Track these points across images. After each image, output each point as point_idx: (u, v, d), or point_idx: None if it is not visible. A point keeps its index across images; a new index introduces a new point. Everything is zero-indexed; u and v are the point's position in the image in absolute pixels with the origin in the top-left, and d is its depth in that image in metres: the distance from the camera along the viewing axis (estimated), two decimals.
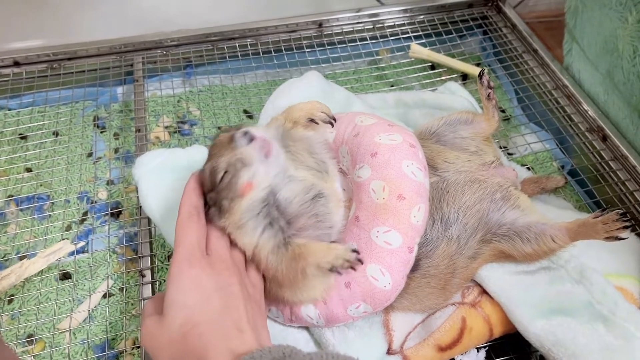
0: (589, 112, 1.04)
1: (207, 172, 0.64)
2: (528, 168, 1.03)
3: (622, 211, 0.69)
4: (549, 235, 0.73)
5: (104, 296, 0.89)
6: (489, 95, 0.85)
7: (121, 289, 0.90)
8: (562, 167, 1.06)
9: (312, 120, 0.74)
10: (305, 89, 0.98)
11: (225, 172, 0.63)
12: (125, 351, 0.83)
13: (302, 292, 0.67)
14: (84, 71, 1.19)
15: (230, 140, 0.64)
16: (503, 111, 1.19)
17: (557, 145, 1.09)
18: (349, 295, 0.67)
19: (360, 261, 0.63)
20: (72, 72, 1.18)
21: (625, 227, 0.68)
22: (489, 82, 0.87)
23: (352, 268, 0.63)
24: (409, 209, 0.66)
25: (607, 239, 0.70)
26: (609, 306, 0.71)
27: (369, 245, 0.66)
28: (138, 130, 1.06)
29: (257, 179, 0.64)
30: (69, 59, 1.19)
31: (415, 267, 0.69)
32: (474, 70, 1.18)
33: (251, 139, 0.64)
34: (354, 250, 0.63)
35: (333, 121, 0.76)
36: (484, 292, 0.76)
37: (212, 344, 0.53)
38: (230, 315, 0.56)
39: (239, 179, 0.63)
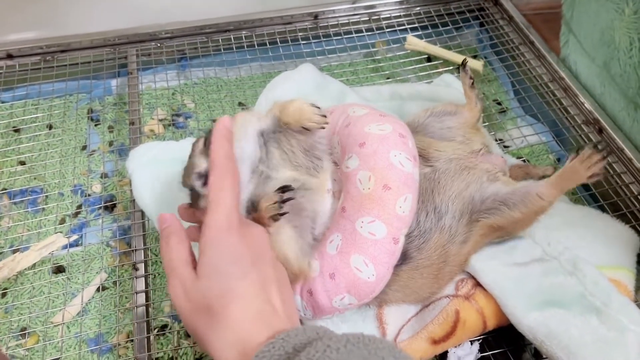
0: (585, 105, 1.03)
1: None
2: (524, 160, 1.03)
3: (593, 144, 0.70)
4: (534, 193, 0.72)
5: (98, 289, 0.89)
6: (472, 84, 0.86)
7: (115, 283, 0.89)
8: (558, 159, 1.06)
9: (304, 128, 0.72)
10: (299, 82, 0.98)
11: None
12: (119, 344, 0.82)
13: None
14: (77, 64, 1.18)
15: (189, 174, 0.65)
16: (499, 103, 1.18)
17: (553, 137, 1.08)
18: (334, 287, 0.67)
19: (288, 199, 0.64)
20: (66, 65, 1.17)
21: (603, 158, 0.69)
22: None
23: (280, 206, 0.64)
24: (394, 199, 0.66)
25: (590, 177, 0.71)
26: (602, 298, 0.70)
27: (353, 236, 0.66)
28: (132, 123, 1.05)
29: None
30: (63, 51, 1.19)
31: (407, 259, 0.69)
32: (471, 63, 1.17)
33: (205, 183, 0.63)
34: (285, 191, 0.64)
35: (325, 124, 0.72)
36: (477, 284, 0.76)
37: (248, 320, 0.51)
38: (265, 292, 0.54)
39: (198, 205, 0.65)
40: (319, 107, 0.71)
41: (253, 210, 0.65)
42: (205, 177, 0.62)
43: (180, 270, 0.55)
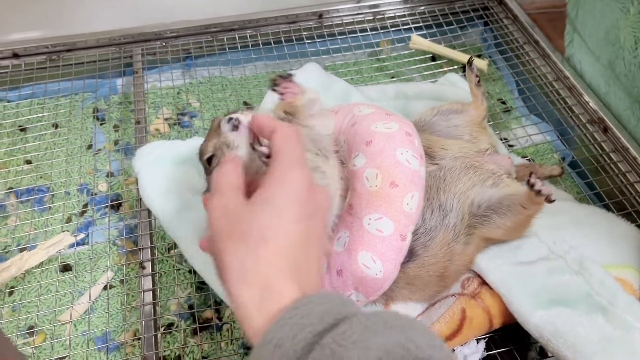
0: (590, 104, 1.03)
1: (198, 154, 0.66)
2: (529, 160, 1.03)
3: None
4: (518, 204, 0.73)
5: (105, 288, 0.90)
6: (478, 82, 0.86)
7: (122, 281, 0.90)
8: (563, 158, 1.06)
9: (274, 89, 0.75)
10: (303, 81, 0.96)
11: (213, 156, 0.64)
12: (126, 343, 0.83)
13: None
14: (83, 63, 1.18)
15: (217, 125, 0.66)
16: (504, 103, 1.18)
17: (557, 137, 1.08)
18: (341, 283, 0.67)
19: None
20: (71, 64, 1.18)
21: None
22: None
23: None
24: (401, 197, 0.67)
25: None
26: (608, 297, 0.71)
27: (360, 232, 0.67)
28: (138, 122, 1.06)
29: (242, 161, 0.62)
30: (68, 50, 1.19)
31: (413, 257, 0.69)
32: (476, 62, 1.17)
33: (235, 126, 0.64)
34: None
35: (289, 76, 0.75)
36: (483, 283, 0.76)
37: (280, 263, 0.46)
38: (308, 246, 0.50)
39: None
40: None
41: None
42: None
43: (227, 192, 0.52)
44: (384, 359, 0.37)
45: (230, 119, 0.64)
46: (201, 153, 0.67)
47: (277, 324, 0.41)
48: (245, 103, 1.18)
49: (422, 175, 0.70)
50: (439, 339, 0.40)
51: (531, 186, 0.69)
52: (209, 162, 0.67)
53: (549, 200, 0.70)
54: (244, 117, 0.65)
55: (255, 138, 0.60)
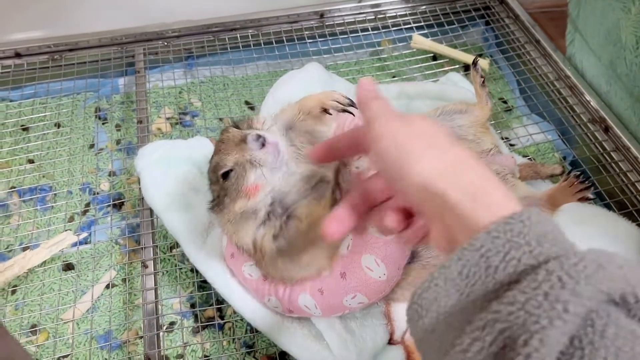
0: (591, 103, 1.04)
1: (211, 166, 0.64)
2: (530, 159, 1.03)
3: (578, 173, 0.73)
4: (534, 206, 0.73)
5: (107, 287, 0.90)
6: (482, 83, 0.86)
7: (124, 280, 0.90)
8: (564, 158, 1.06)
9: (325, 111, 0.72)
10: (306, 81, 0.98)
11: (231, 170, 0.62)
12: (129, 341, 0.83)
13: (307, 264, 0.66)
14: (85, 62, 1.19)
15: (242, 140, 0.62)
16: (505, 102, 1.18)
17: (559, 136, 1.08)
18: (345, 286, 0.67)
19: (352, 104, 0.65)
20: (74, 64, 1.18)
21: (587, 188, 0.73)
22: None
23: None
24: None
25: (580, 200, 0.73)
26: None
27: (364, 236, 0.67)
28: (140, 122, 1.06)
29: (264, 182, 0.63)
30: (70, 50, 1.19)
31: (415, 258, 0.69)
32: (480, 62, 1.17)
33: (263, 144, 0.62)
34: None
35: (351, 107, 0.71)
36: None
37: (479, 175, 0.41)
38: (473, 158, 0.43)
39: (246, 180, 0.62)
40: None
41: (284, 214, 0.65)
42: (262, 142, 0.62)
43: (388, 114, 0.46)
44: (602, 302, 0.33)
45: (259, 136, 0.62)
46: (217, 166, 0.64)
47: (488, 234, 0.36)
48: (246, 102, 1.18)
49: None
50: None
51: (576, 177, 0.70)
52: (224, 176, 0.64)
53: (585, 197, 0.71)
54: (270, 135, 0.63)
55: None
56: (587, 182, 0.72)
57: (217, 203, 0.65)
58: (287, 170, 0.66)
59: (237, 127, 0.66)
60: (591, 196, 0.72)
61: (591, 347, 0.32)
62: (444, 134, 0.44)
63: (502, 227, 0.36)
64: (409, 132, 0.44)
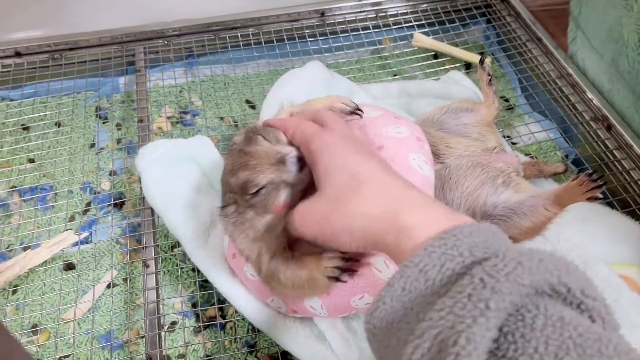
0: (594, 101, 1.03)
1: (240, 180, 0.61)
2: (532, 157, 1.03)
3: (591, 172, 0.71)
4: (541, 205, 0.73)
5: (108, 286, 0.90)
6: (489, 82, 0.86)
7: (125, 279, 0.90)
8: (566, 156, 1.06)
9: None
10: (307, 79, 0.98)
11: (263, 188, 0.60)
12: (130, 341, 0.83)
13: (307, 293, 0.65)
14: (85, 61, 1.18)
15: (280, 160, 0.59)
16: (507, 100, 1.18)
17: (561, 134, 1.08)
18: (352, 286, 0.67)
19: (350, 269, 0.60)
20: (74, 63, 1.18)
21: (598, 187, 0.71)
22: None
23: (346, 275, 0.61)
24: None
25: (588, 199, 0.72)
26: (613, 295, 0.71)
27: None
28: (140, 121, 1.06)
29: (290, 201, 0.61)
30: (71, 49, 1.19)
31: None
32: (477, 59, 1.17)
33: (302, 167, 0.59)
34: (345, 259, 0.60)
35: (359, 111, 0.71)
36: None
37: (394, 196, 0.47)
38: (392, 172, 0.50)
39: (277, 198, 0.60)
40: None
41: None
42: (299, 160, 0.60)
43: (296, 208, 0.54)
44: (531, 296, 0.36)
45: (299, 158, 0.59)
46: (247, 183, 0.61)
47: (425, 250, 0.40)
48: (247, 101, 1.18)
49: (432, 181, 0.70)
50: (595, 288, 0.38)
51: (588, 175, 0.70)
52: (256, 193, 0.61)
53: (595, 197, 0.70)
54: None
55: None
56: (598, 180, 0.71)
57: (236, 213, 0.64)
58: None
59: (262, 136, 0.62)
60: (600, 196, 0.71)
61: (522, 340, 0.34)
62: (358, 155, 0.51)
63: (437, 242, 0.40)
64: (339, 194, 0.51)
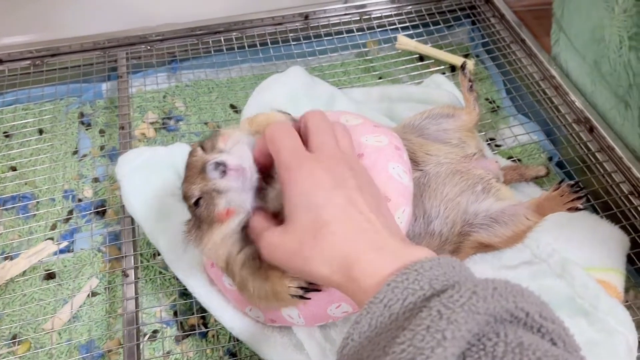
0: (576, 103, 1.03)
1: (182, 193, 0.63)
2: (516, 160, 1.02)
3: (573, 182, 0.71)
4: (522, 214, 0.73)
5: (89, 296, 0.89)
6: (470, 87, 0.86)
7: (106, 289, 0.89)
8: (550, 158, 1.06)
9: None
10: (288, 85, 0.97)
11: (200, 198, 0.61)
12: (110, 351, 0.83)
13: (274, 305, 0.65)
14: (67, 67, 1.17)
15: (202, 168, 0.60)
16: (492, 102, 1.18)
17: (545, 137, 1.08)
18: (329, 295, 0.66)
19: (305, 298, 0.61)
20: (55, 69, 1.17)
21: (579, 198, 0.70)
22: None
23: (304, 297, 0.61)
24: (393, 212, 0.66)
25: (569, 210, 0.71)
26: (591, 300, 0.71)
27: None
28: (122, 128, 1.05)
29: (235, 205, 0.61)
30: (52, 55, 1.18)
31: None
32: (461, 62, 1.17)
33: (224, 171, 0.59)
34: (302, 288, 0.60)
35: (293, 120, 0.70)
36: None
37: (345, 240, 0.49)
38: (358, 211, 0.51)
39: (216, 207, 0.60)
40: (288, 114, 0.70)
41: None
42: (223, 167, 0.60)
43: (264, 234, 0.56)
44: (491, 323, 0.38)
45: (218, 164, 0.59)
46: (185, 195, 0.63)
47: (388, 286, 0.42)
48: (232, 106, 1.17)
49: (411, 190, 0.70)
50: (552, 311, 0.40)
51: (570, 186, 0.70)
52: (196, 204, 0.62)
53: (575, 207, 0.70)
54: (232, 158, 0.60)
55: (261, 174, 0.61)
56: (580, 192, 0.70)
57: (195, 227, 0.64)
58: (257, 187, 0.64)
59: (202, 147, 0.64)
60: (581, 206, 0.70)
61: None
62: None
63: (399, 278, 0.42)
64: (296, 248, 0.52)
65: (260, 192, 0.63)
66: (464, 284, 0.39)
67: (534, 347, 0.35)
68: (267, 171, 0.63)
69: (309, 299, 0.60)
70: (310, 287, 0.60)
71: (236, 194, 0.60)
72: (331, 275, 0.49)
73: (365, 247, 0.48)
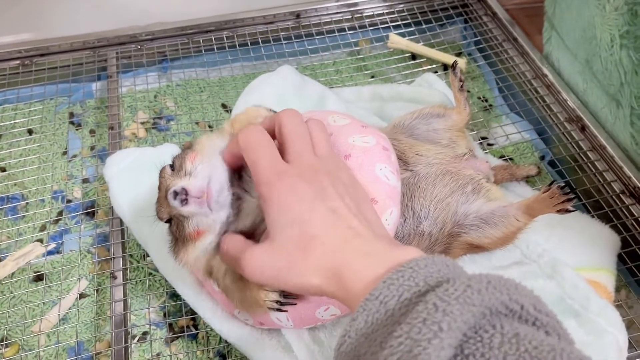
0: (568, 102, 1.03)
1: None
2: (509, 159, 1.02)
3: (563, 184, 0.71)
4: (512, 215, 0.73)
5: (78, 298, 0.88)
6: (461, 87, 0.85)
7: (96, 290, 0.89)
8: (543, 157, 1.05)
9: None
10: (278, 84, 0.97)
11: (171, 219, 0.61)
12: (100, 353, 0.82)
13: (257, 312, 0.65)
14: (56, 67, 1.16)
15: (165, 195, 0.59)
16: (484, 101, 1.17)
17: (537, 135, 1.07)
18: (317, 298, 0.66)
19: (282, 310, 0.61)
20: (45, 69, 1.16)
21: (569, 199, 0.70)
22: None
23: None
24: (380, 213, 0.65)
25: (559, 211, 0.71)
26: (581, 301, 0.70)
27: None
28: (111, 128, 1.04)
29: (204, 226, 0.61)
30: (41, 55, 1.17)
31: None
32: (452, 61, 1.16)
33: (184, 200, 0.58)
34: (282, 296, 0.60)
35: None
36: None
37: (332, 251, 0.50)
38: (341, 219, 0.52)
39: (185, 228, 0.61)
40: (272, 110, 0.70)
41: None
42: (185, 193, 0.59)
43: (244, 256, 0.54)
44: (487, 315, 0.38)
45: (176, 193, 0.58)
46: (157, 216, 0.65)
47: (384, 283, 0.43)
48: (223, 105, 1.17)
49: (399, 191, 0.69)
50: (546, 305, 0.41)
51: (560, 187, 0.70)
52: (168, 223, 0.64)
53: (566, 209, 0.70)
54: (194, 183, 0.59)
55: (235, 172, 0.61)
56: (570, 193, 0.70)
57: (173, 242, 0.66)
58: (230, 202, 0.63)
59: (172, 165, 0.63)
60: (571, 208, 0.70)
61: (483, 359, 0.36)
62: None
63: (395, 275, 0.43)
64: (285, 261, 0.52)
65: (237, 200, 0.63)
66: (459, 279, 0.40)
67: (530, 337, 0.36)
68: (240, 170, 0.63)
69: (286, 311, 0.61)
70: (285, 301, 0.60)
71: (203, 217, 0.60)
72: (323, 285, 0.49)
73: (351, 255, 0.49)
